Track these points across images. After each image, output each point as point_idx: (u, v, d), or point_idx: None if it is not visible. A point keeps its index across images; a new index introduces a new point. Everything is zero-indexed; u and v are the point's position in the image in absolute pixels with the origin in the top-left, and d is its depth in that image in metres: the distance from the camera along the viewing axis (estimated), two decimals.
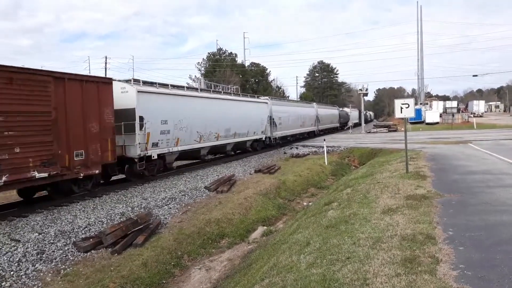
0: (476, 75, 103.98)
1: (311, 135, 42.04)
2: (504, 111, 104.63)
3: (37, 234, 9.09)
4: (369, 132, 48.28)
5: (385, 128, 51.08)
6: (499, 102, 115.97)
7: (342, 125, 60.65)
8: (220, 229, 11.37)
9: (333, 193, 13.47)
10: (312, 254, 6.37)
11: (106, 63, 60.74)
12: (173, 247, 9.73)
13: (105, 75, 50.92)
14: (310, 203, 14.97)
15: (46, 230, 9.43)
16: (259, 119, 27.35)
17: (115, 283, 7.74)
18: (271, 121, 29.04)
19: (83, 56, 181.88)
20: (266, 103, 29.37)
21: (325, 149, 24.51)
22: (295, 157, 25.72)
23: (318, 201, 13.56)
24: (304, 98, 79.57)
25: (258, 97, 31.60)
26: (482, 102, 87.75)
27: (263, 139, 28.32)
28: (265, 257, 8.32)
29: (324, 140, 26.99)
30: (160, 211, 11.82)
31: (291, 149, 30.40)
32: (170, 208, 12.27)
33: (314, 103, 47.06)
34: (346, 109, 70.79)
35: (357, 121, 68.90)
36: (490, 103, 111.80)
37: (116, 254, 8.78)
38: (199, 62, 65.86)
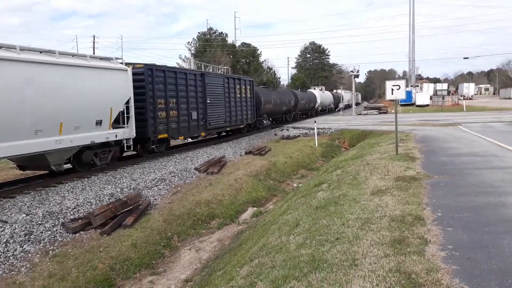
0: (467, 58, 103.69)
1: None
2: (494, 93, 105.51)
3: (24, 215, 8.99)
4: (360, 114, 48.37)
5: (375, 110, 51.09)
6: (489, 85, 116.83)
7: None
8: (210, 210, 11.37)
9: (323, 174, 13.51)
10: (302, 234, 6.38)
11: (94, 42, 59.79)
12: (163, 228, 9.71)
13: (93, 54, 50.17)
14: (300, 185, 15.01)
15: (34, 211, 9.33)
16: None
17: (104, 264, 7.72)
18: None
19: (71, 35, 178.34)
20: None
21: (315, 130, 24.51)
22: (286, 139, 25.71)
23: (308, 182, 13.60)
24: (296, 79, 79.23)
25: None
26: (472, 85, 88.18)
27: None
28: (254, 237, 8.34)
29: (315, 122, 26.97)
30: (150, 192, 11.76)
31: (281, 130, 30.39)
32: (160, 189, 12.21)
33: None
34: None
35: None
36: (480, 85, 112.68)
37: (105, 235, 8.73)
38: (189, 42, 65.05)
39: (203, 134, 21.31)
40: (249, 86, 27.15)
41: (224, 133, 25.91)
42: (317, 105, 48.67)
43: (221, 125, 23.00)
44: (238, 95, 25.07)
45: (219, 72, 27.13)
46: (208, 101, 20.77)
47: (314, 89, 56.40)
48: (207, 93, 20.68)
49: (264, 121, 32.42)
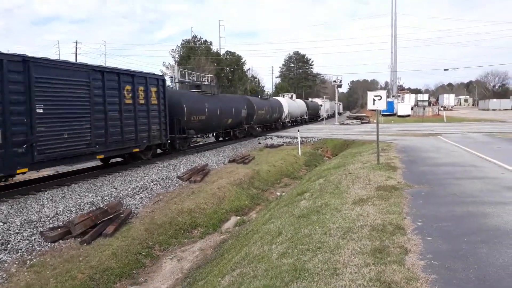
0: (447, 69, 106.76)
1: None
2: (473, 105, 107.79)
3: (1, 223, 8.79)
4: (343, 124, 48.82)
5: (358, 120, 51.65)
6: (468, 96, 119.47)
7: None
8: (192, 219, 11.29)
9: (305, 183, 13.57)
10: (284, 244, 6.38)
11: (76, 48, 59.26)
12: (144, 237, 9.60)
13: (76, 60, 49.62)
14: (283, 193, 15.04)
15: (11, 219, 9.12)
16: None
17: (83, 274, 7.58)
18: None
19: (53, 41, 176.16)
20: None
21: (299, 139, 24.66)
22: (270, 147, 25.77)
23: (291, 191, 13.64)
24: (280, 88, 79.62)
25: None
26: (452, 96, 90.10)
27: None
28: (237, 247, 8.31)
29: (298, 131, 27.14)
30: (131, 201, 11.63)
31: (265, 139, 30.46)
32: (142, 197, 12.08)
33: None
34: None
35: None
36: (460, 97, 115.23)
37: (85, 244, 8.59)
38: (173, 49, 65.05)
39: (23, 170, 11.08)
40: (157, 88, 17.57)
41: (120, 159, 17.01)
42: (284, 116, 40.74)
43: (80, 151, 13.03)
44: (130, 101, 15.58)
45: (204, 80, 26.11)
46: (40, 111, 11.40)
47: (283, 96, 47.59)
48: (36, 96, 11.23)
49: (195, 138, 24.44)
